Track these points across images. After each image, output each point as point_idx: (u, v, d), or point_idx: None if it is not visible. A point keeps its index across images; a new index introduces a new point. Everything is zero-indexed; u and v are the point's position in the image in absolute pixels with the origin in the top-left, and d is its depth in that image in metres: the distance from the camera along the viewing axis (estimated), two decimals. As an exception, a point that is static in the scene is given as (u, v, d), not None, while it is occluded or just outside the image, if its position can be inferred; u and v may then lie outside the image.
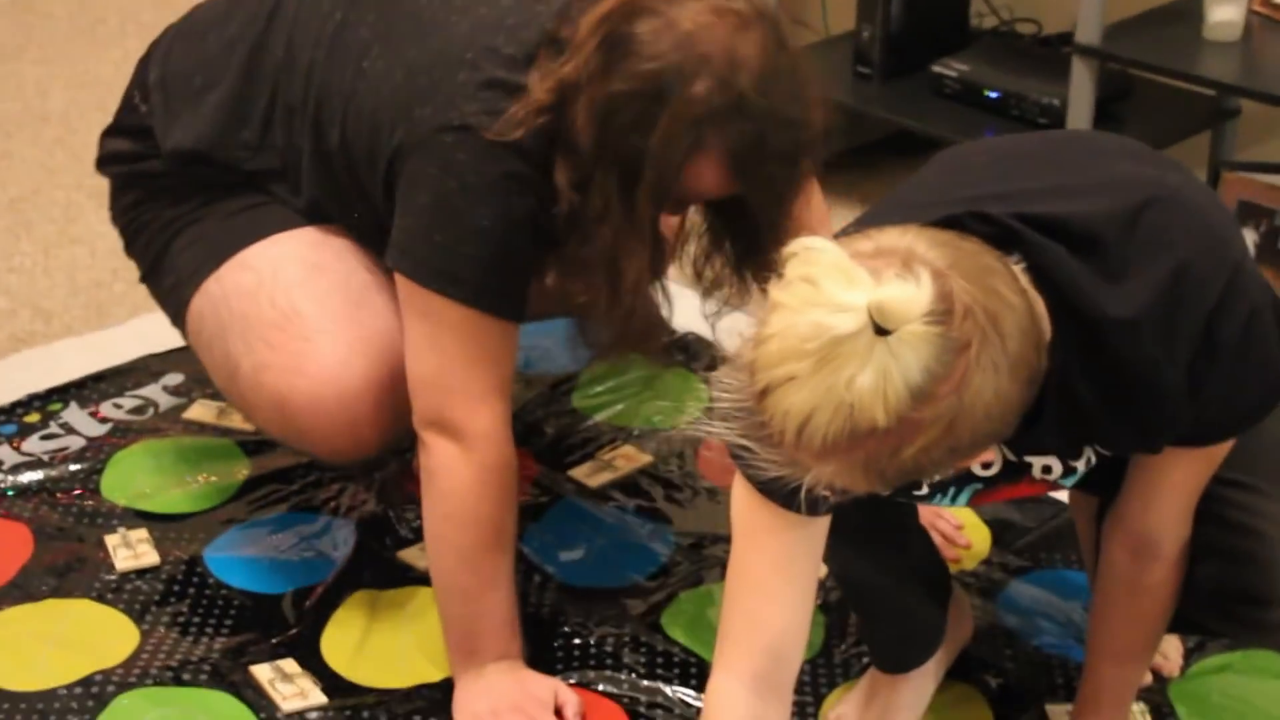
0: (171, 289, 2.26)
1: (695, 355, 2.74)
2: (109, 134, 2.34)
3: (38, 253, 3.19)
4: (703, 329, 2.58)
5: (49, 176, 3.47)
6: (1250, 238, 2.95)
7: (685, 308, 2.20)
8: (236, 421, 2.56)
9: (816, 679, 2.16)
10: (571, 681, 2.14)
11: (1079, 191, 1.60)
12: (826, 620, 2.23)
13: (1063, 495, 2.29)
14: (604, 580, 2.33)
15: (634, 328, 2.03)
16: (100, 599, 2.27)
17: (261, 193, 2.22)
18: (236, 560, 2.34)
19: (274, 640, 2.21)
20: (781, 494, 1.58)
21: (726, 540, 1.75)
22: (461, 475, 2.02)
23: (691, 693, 2.13)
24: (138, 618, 2.24)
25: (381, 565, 2.34)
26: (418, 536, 2.33)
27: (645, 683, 2.15)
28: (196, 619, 2.25)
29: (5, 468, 2.51)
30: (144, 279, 2.33)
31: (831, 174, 2.17)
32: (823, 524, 1.69)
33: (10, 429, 2.59)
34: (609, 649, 2.21)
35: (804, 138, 1.93)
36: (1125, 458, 1.76)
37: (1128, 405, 1.59)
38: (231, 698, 2.11)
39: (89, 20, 4.23)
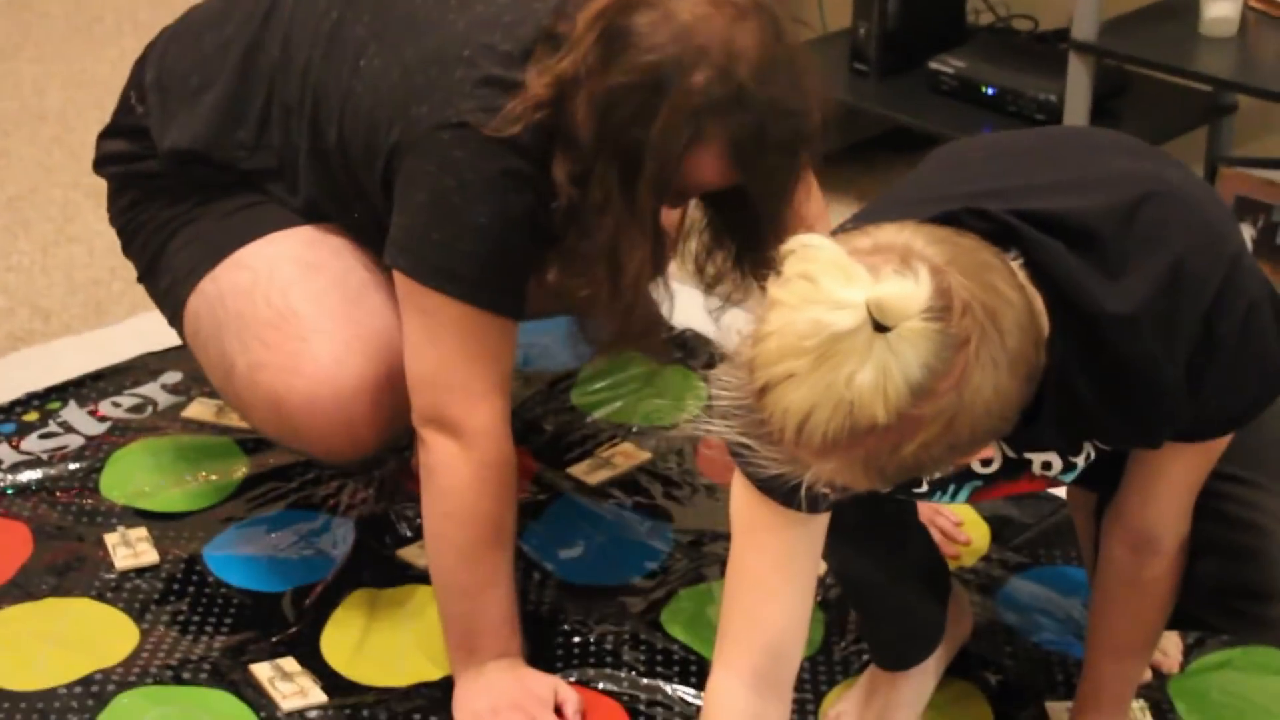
0: (168, 289, 2.26)
1: (694, 352, 2.74)
2: (106, 136, 2.33)
3: (36, 251, 3.19)
4: (701, 326, 2.59)
5: (46, 175, 3.47)
6: (1247, 233, 2.96)
7: (684, 304, 2.20)
8: (235, 420, 2.56)
9: (816, 676, 2.16)
10: (571, 679, 2.14)
11: (1076, 187, 1.60)
12: (826, 618, 2.23)
13: (1061, 491, 2.28)
14: (603, 578, 2.33)
15: (634, 323, 2.04)
16: (100, 598, 2.27)
17: (258, 192, 2.21)
18: (236, 559, 2.34)
19: (274, 639, 2.21)
20: (781, 492, 1.58)
21: (726, 538, 1.75)
22: (461, 473, 2.02)
23: (691, 690, 2.13)
24: (137, 616, 2.24)
25: (381, 564, 2.34)
26: (417, 535, 2.33)
27: (645, 680, 2.15)
28: (196, 618, 2.25)
29: (4, 467, 2.50)
30: (141, 279, 2.33)
31: (828, 171, 2.17)
32: (822, 521, 1.69)
33: (9, 428, 2.59)
34: (609, 647, 2.20)
35: (803, 128, 1.93)
36: (1124, 453, 1.76)
37: (1127, 401, 1.58)
38: (231, 696, 2.11)
39: (86, 19, 4.23)
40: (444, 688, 2.11)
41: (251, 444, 2.55)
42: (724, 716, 1.71)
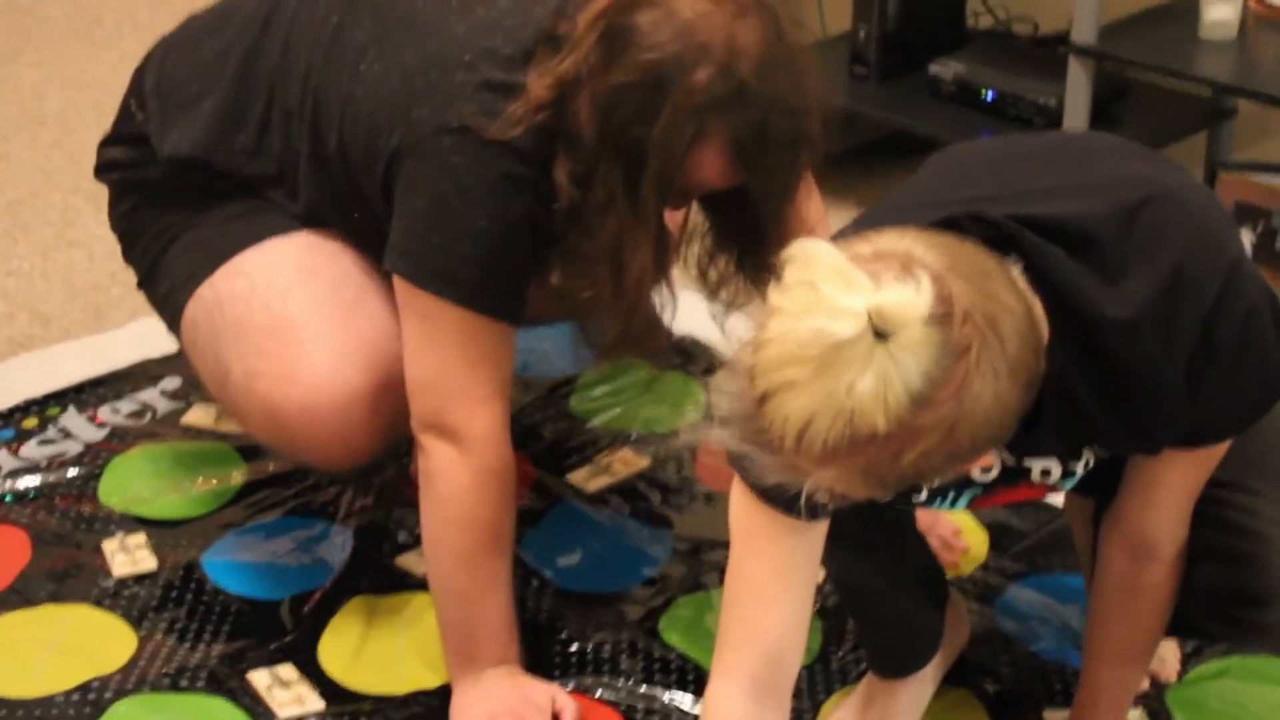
0: (167, 295, 2.26)
1: (693, 359, 2.74)
2: (106, 143, 2.33)
3: (35, 256, 3.18)
4: (701, 331, 2.59)
5: (46, 179, 3.47)
6: (1247, 238, 2.95)
7: (685, 310, 2.19)
8: (234, 426, 2.55)
9: (814, 684, 2.15)
10: (569, 687, 2.14)
11: (1076, 192, 1.59)
12: (824, 625, 2.23)
13: (1058, 499, 2.28)
14: (601, 585, 2.33)
15: (636, 327, 2.03)
16: (98, 604, 2.27)
17: (258, 198, 2.21)
18: (234, 565, 2.34)
19: (272, 646, 2.20)
20: (781, 499, 1.58)
21: (724, 545, 1.74)
22: (460, 478, 2.02)
23: (689, 698, 2.13)
24: (135, 623, 2.24)
25: (379, 571, 2.34)
26: (416, 542, 2.32)
27: (643, 688, 2.15)
28: (194, 625, 2.24)
29: (3, 473, 2.50)
30: (141, 284, 2.33)
31: (828, 175, 2.17)
32: (821, 529, 1.69)
33: (8, 434, 2.59)
34: (606, 654, 2.20)
35: (805, 125, 1.93)
36: (1122, 460, 1.75)
37: (1127, 406, 1.58)
38: (229, 704, 2.11)
39: (85, 21, 4.23)
40: (442, 695, 2.11)
41: (250, 450, 2.54)
42: (722, 725, 1.70)
